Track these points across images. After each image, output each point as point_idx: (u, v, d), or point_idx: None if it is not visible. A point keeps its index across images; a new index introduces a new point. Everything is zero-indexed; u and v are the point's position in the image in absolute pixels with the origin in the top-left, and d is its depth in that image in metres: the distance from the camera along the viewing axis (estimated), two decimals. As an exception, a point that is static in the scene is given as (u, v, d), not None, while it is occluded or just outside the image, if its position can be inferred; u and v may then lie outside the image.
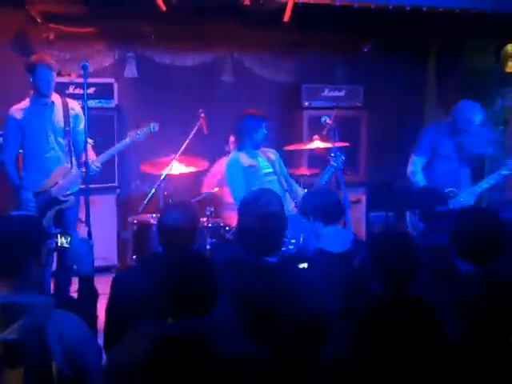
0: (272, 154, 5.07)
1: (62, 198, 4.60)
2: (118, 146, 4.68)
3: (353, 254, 3.15)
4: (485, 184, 4.89)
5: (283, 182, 4.97)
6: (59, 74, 6.00)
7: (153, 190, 5.47)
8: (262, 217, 2.67)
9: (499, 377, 2.29)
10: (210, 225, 5.25)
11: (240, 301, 2.43)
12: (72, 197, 4.63)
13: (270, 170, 4.93)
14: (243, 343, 2.09)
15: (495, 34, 6.28)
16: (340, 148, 4.93)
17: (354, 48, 6.88)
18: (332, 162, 4.74)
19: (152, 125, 4.71)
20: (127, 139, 4.67)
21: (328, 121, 4.94)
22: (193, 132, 5.60)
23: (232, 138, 5.99)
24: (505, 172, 4.82)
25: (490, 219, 2.79)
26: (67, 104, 4.68)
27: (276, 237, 2.72)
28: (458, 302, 2.47)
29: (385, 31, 6.43)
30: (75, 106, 4.74)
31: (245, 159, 4.89)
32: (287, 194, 4.90)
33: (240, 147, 4.95)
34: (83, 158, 4.59)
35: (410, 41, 6.56)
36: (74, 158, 4.67)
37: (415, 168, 5.02)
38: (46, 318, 2.11)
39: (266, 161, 4.96)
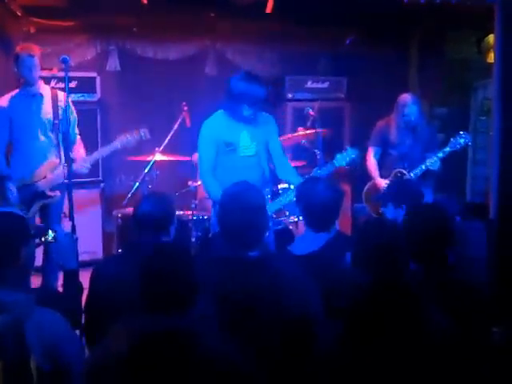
0: (265, 123, 4.30)
1: (48, 193, 4.56)
2: (108, 148, 4.63)
3: (319, 255, 2.99)
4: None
5: (268, 163, 4.33)
6: (40, 68, 5.97)
7: (137, 184, 5.47)
8: (244, 212, 2.65)
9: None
10: (194, 218, 5.25)
11: (220, 297, 2.41)
12: (58, 192, 4.59)
13: (253, 152, 4.21)
14: (221, 342, 2.07)
15: (477, 25, 6.31)
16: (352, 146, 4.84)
17: (337, 40, 6.89)
18: (337, 155, 4.33)
19: (142, 132, 4.69)
20: (117, 143, 4.63)
21: (310, 112, 4.97)
22: (176, 125, 5.59)
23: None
24: (424, 167, 4.91)
25: (436, 217, 2.71)
26: (56, 96, 4.63)
27: (258, 231, 2.71)
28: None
29: (367, 23, 6.44)
30: (64, 98, 4.61)
31: (224, 130, 4.15)
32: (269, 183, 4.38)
33: (225, 108, 4.19)
34: (72, 153, 4.59)
35: (392, 32, 6.58)
36: (62, 153, 4.62)
37: None
38: (25, 315, 2.10)
39: (250, 138, 4.20)
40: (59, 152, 4.63)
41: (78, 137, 4.74)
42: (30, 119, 4.56)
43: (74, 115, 4.68)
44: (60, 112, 4.59)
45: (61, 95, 4.67)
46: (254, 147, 4.20)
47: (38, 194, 4.54)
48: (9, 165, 4.58)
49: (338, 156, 4.39)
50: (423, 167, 4.93)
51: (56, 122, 4.58)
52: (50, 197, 4.56)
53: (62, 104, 4.60)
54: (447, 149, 4.91)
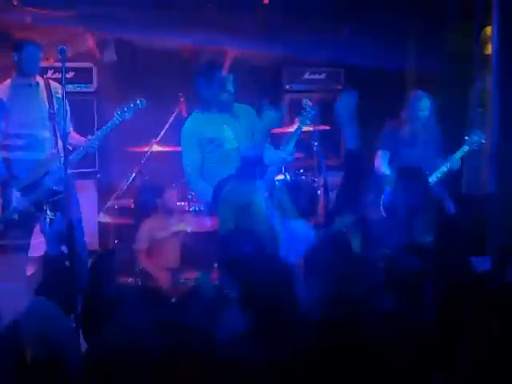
0: (246, 116, 4.28)
1: (57, 189, 4.37)
2: (109, 124, 4.43)
3: None
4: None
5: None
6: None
7: (133, 175, 5.46)
8: (239, 209, 2.65)
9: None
10: (191, 209, 5.24)
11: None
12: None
13: (236, 144, 4.20)
14: (223, 332, 2.08)
15: (474, 16, 6.29)
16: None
17: (335, 31, 6.87)
18: (299, 118, 4.13)
19: (139, 100, 4.47)
20: (115, 118, 4.42)
21: (308, 103, 4.95)
22: (173, 115, 5.58)
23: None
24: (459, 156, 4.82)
25: None
26: (50, 85, 4.48)
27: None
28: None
29: (365, 13, 6.43)
30: (58, 88, 4.53)
31: (206, 127, 4.16)
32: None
33: (201, 107, 4.21)
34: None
35: (390, 23, 6.56)
36: (60, 142, 4.47)
37: None
38: (20, 306, 2.10)
39: (232, 131, 4.18)
40: (56, 142, 4.50)
41: (71, 128, 4.59)
42: (29, 110, 4.39)
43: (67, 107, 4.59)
44: (55, 101, 4.45)
45: (54, 85, 4.53)
46: (237, 140, 4.19)
47: (46, 192, 4.35)
48: (10, 164, 4.39)
49: None
50: (445, 169, 4.75)
51: (52, 111, 4.43)
52: (59, 192, 4.37)
53: (57, 94, 4.46)
54: (466, 147, 4.76)
